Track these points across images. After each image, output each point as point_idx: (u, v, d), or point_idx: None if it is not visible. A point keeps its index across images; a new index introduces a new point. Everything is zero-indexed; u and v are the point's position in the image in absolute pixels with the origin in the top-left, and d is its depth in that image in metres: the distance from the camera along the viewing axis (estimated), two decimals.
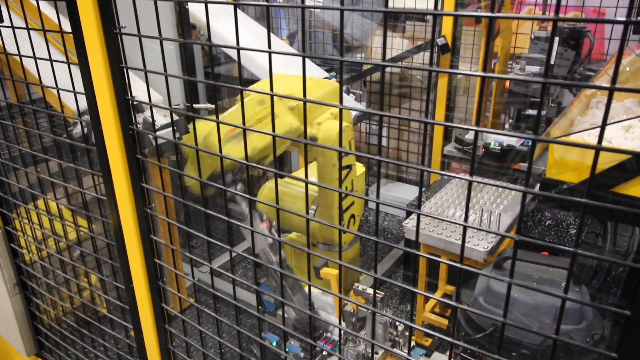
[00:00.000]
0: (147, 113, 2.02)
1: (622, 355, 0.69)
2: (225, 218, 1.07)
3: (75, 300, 1.84)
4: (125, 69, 1.10)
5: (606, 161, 0.92)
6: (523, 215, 0.69)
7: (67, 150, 1.62)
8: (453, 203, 2.24)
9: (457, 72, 0.73)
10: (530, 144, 1.60)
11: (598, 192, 0.95)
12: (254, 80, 2.55)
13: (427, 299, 2.39)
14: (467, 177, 0.71)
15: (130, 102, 1.12)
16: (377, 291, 1.63)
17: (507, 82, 2.80)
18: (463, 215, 2.03)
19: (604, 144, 0.66)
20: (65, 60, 1.32)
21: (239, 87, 0.90)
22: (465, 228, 0.75)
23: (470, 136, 2.76)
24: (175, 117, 2.17)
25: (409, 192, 3.86)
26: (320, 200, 2.27)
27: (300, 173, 2.61)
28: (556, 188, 0.97)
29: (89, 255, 1.66)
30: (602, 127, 0.61)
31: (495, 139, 2.63)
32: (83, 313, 1.83)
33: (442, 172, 1.12)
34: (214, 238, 1.14)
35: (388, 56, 3.86)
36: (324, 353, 1.53)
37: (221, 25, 2.74)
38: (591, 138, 1.09)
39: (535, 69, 2.73)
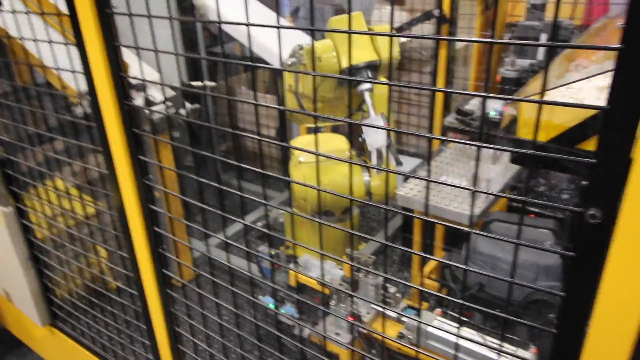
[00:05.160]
0: (148, 92, 2.09)
1: (569, 294, 0.76)
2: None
3: (85, 272, 1.93)
4: (118, 47, 1.16)
5: (573, 119, 0.97)
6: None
7: (71, 132, 1.70)
8: (446, 171, 2.29)
9: (455, 39, 0.78)
10: None
11: (565, 149, 1.00)
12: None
13: (422, 265, 2.47)
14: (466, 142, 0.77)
15: (124, 79, 1.19)
16: (369, 255, 1.71)
17: (499, 76, 2.86)
18: (454, 182, 2.09)
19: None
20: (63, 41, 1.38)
21: (249, 63, 0.95)
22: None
23: (470, 106, 2.79)
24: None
25: (409, 163, 3.92)
26: None
27: (304, 141, 2.62)
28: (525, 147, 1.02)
29: (97, 229, 1.75)
30: (544, 80, 0.67)
31: (495, 108, 2.65)
32: (93, 284, 1.93)
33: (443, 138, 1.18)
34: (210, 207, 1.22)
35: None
36: (318, 314, 1.62)
37: (221, 3, 2.77)
38: (564, 99, 1.14)
39: (526, 62, 2.78)
